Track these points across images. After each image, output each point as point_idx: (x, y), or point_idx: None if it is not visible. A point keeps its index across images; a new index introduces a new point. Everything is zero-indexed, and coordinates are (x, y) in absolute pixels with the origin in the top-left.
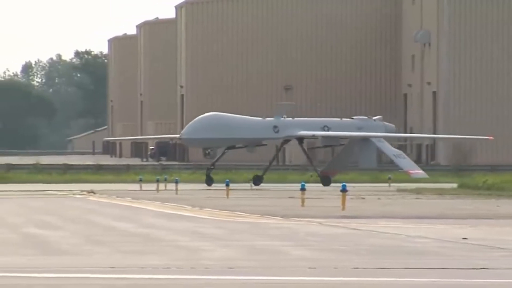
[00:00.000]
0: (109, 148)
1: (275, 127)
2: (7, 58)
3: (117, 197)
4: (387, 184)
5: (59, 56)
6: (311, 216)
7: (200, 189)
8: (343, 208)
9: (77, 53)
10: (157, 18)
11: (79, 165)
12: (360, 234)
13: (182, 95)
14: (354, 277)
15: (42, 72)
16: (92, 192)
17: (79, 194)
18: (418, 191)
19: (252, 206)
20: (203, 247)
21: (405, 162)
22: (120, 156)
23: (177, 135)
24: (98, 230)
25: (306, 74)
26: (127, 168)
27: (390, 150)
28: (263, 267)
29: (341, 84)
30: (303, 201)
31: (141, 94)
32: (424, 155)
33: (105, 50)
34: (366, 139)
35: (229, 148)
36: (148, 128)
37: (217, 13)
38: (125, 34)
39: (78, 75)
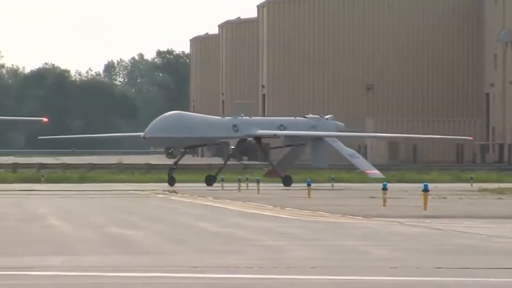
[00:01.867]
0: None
1: (234, 126)
2: (89, 58)
3: (199, 196)
4: (468, 184)
5: (141, 55)
6: (393, 216)
7: (281, 189)
8: (425, 208)
9: (159, 53)
10: (239, 17)
11: (161, 165)
12: (441, 234)
13: (264, 95)
14: (436, 277)
15: (124, 72)
16: (174, 191)
17: (161, 194)
18: (500, 191)
19: (333, 205)
20: (285, 246)
21: (361, 162)
22: (202, 156)
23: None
24: (180, 230)
25: (388, 74)
26: (209, 167)
27: (345, 150)
28: (344, 267)
29: (422, 84)
30: (384, 201)
31: (222, 94)
32: (506, 155)
33: (187, 50)
34: (319, 139)
35: (189, 147)
36: None
37: (298, 12)
38: (207, 33)
39: (160, 74)
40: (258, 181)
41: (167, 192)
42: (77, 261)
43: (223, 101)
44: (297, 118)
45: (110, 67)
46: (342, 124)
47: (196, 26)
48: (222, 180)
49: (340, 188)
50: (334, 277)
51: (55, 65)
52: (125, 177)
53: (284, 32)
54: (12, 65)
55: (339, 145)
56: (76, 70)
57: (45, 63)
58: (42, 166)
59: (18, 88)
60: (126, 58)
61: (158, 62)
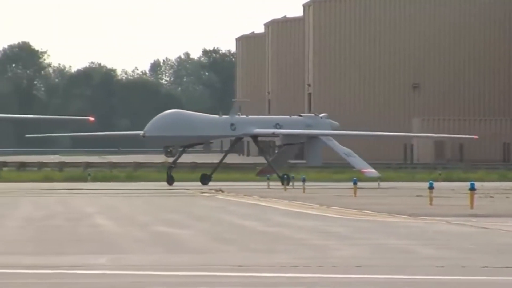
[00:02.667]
0: (236, 148)
1: (232, 124)
2: (136, 57)
3: (245, 195)
4: None
5: (187, 54)
6: (439, 215)
7: (327, 188)
8: (472, 207)
9: (205, 52)
10: (284, 16)
11: (207, 163)
12: (488, 233)
13: (310, 93)
14: (483, 276)
15: (171, 71)
16: (220, 190)
17: (207, 193)
18: None
19: (380, 204)
20: (330, 245)
21: (357, 161)
22: (248, 155)
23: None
24: (225, 228)
25: (434, 72)
26: (254, 166)
27: (341, 149)
28: (391, 266)
29: (469, 82)
30: (431, 200)
31: (268, 93)
32: None
33: (233, 49)
34: (314, 137)
35: (187, 146)
36: None
37: (344, 11)
38: (252, 32)
39: (206, 73)
40: (304, 180)
41: (213, 191)
42: (124, 260)
43: (269, 100)
44: (293, 117)
45: (156, 66)
46: (337, 123)
47: (242, 25)
48: (268, 179)
49: (387, 187)
50: (380, 276)
51: (102, 64)
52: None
53: (330, 31)
54: (59, 64)
55: (335, 144)
56: (123, 69)
57: (92, 62)
58: (88, 165)
59: (64, 87)
60: (172, 57)
61: (204, 61)
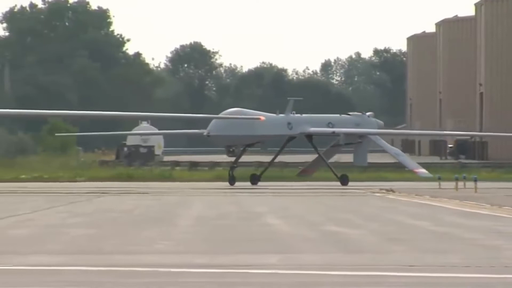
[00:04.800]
0: (408, 146)
1: (289, 123)
2: (306, 57)
3: (416, 195)
4: None
5: (358, 54)
6: None
7: (499, 188)
8: None
9: (376, 51)
10: (456, 16)
11: (380, 163)
12: None
13: (481, 93)
14: None
15: (341, 70)
16: (391, 190)
17: (378, 192)
18: None
19: None
20: (502, 246)
21: (409, 161)
22: (419, 154)
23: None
24: (396, 228)
25: None
26: (426, 167)
27: (391, 148)
28: None
29: None
30: None
31: (440, 92)
32: None
33: (404, 48)
34: (363, 136)
35: (248, 145)
36: (447, 126)
37: None
38: (423, 32)
39: (377, 73)
40: (475, 180)
41: (383, 191)
42: (294, 260)
43: (440, 99)
44: (342, 115)
45: (327, 66)
46: (382, 122)
47: (413, 25)
48: (439, 179)
49: None
50: None
51: (273, 64)
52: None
53: (503, 30)
54: (230, 64)
55: (384, 143)
56: (293, 69)
57: (263, 62)
58: (260, 164)
59: (236, 87)
60: (343, 56)
61: (375, 61)
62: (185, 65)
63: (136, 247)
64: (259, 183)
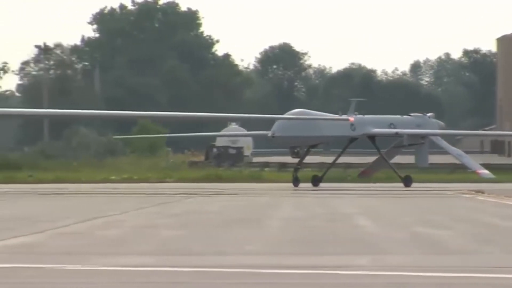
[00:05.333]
0: (497, 147)
1: (352, 124)
2: (396, 57)
3: (506, 196)
4: None
5: (447, 55)
6: None
7: None
8: None
9: (466, 52)
10: None
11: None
12: None
13: None
14: None
15: (431, 71)
16: (480, 191)
17: (468, 194)
18: None
19: None
20: None
21: (472, 162)
22: (509, 155)
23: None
24: (486, 230)
25: None
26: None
27: (453, 149)
28: None
29: None
30: None
31: None
32: None
33: (494, 49)
34: (425, 137)
35: (312, 146)
36: None
37: None
38: None
39: (467, 74)
40: None
41: (473, 192)
42: (383, 261)
43: None
44: (404, 116)
45: (416, 67)
46: (442, 122)
47: (503, 25)
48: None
49: None
50: None
51: (362, 65)
52: (428, 176)
53: None
54: (319, 65)
55: (446, 144)
56: (383, 70)
57: (352, 63)
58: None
59: (324, 88)
60: (433, 57)
61: (465, 61)
62: (274, 66)
63: (225, 248)
64: (321, 184)
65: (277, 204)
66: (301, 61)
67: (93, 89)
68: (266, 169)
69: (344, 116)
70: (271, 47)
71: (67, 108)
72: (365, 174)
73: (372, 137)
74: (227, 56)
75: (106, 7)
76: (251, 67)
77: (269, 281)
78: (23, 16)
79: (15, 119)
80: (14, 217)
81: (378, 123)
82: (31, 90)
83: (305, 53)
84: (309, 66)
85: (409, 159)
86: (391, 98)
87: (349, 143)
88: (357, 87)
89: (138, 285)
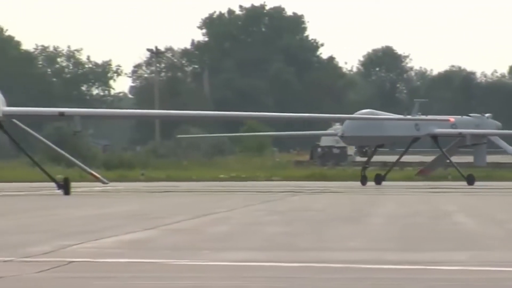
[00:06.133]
0: None
1: (416, 124)
2: (495, 59)
3: None
4: None
5: None
6: None
7: None
8: None
9: None
10: None
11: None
12: None
13: None
14: None
15: None
16: None
17: None
18: None
19: None
20: None
21: None
22: None
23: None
24: None
25: None
26: None
27: (510, 149)
28: None
29: None
30: None
31: None
32: None
33: None
34: (484, 137)
35: (379, 146)
36: None
37: None
38: None
39: None
40: None
41: None
42: (484, 257)
43: None
44: (463, 117)
45: None
46: (499, 123)
47: None
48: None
49: None
50: None
51: (462, 67)
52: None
53: None
54: (420, 67)
55: (504, 144)
56: (482, 72)
57: (452, 66)
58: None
59: (425, 90)
60: None
61: None
62: (377, 69)
63: (329, 244)
64: (383, 183)
65: (379, 202)
66: (403, 64)
67: (202, 91)
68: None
69: (444, 117)
70: (374, 50)
71: (177, 109)
72: (423, 173)
73: (434, 137)
74: (331, 59)
75: (215, 12)
76: (355, 69)
77: (371, 276)
78: (136, 21)
79: (128, 119)
80: (127, 214)
81: (439, 123)
82: (143, 92)
83: (407, 56)
84: (411, 68)
85: (464, 159)
86: (490, 100)
87: (411, 143)
88: (456, 89)
89: (246, 279)
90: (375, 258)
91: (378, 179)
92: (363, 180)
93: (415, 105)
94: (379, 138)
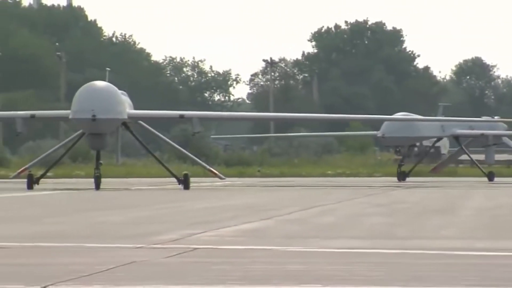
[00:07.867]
0: None
1: (442, 125)
2: None
3: None
4: None
5: None
6: None
7: None
8: None
9: None
10: None
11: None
12: None
13: None
14: None
15: None
16: None
17: None
18: None
19: None
20: None
21: None
22: None
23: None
24: None
25: None
26: None
27: None
28: None
29: None
30: None
31: None
32: None
33: None
34: (500, 138)
35: (412, 145)
36: None
37: None
38: None
39: None
40: None
41: None
42: None
43: None
44: (478, 118)
45: None
46: (505, 125)
47: None
48: None
49: None
50: None
51: None
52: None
53: None
54: (507, 76)
55: None
56: None
57: None
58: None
59: (511, 96)
60: None
61: None
62: (467, 77)
63: (424, 233)
64: (407, 179)
65: (469, 196)
66: (491, 73)
67: (312, 97)
68: (460, 165)
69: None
70: (465, 61)
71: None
72: (435, 171)
73: (457, 137)
74: (426, 68)
75: (323, 26)
76: (447, 78)
77: (464, 262)
78: (253, 35)
79: (246, 122)
80: (245, 206)
81: (460, 125)
82: (259, 98)
83: (494, 65)
84: (498, 76)
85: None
86: None
87: (435, 142)
88: None
89: (350, 264)
90: (466, 246)
91: (402, 175)
92: (399, 176)
93: (439, 108)
94: (414, 138)
